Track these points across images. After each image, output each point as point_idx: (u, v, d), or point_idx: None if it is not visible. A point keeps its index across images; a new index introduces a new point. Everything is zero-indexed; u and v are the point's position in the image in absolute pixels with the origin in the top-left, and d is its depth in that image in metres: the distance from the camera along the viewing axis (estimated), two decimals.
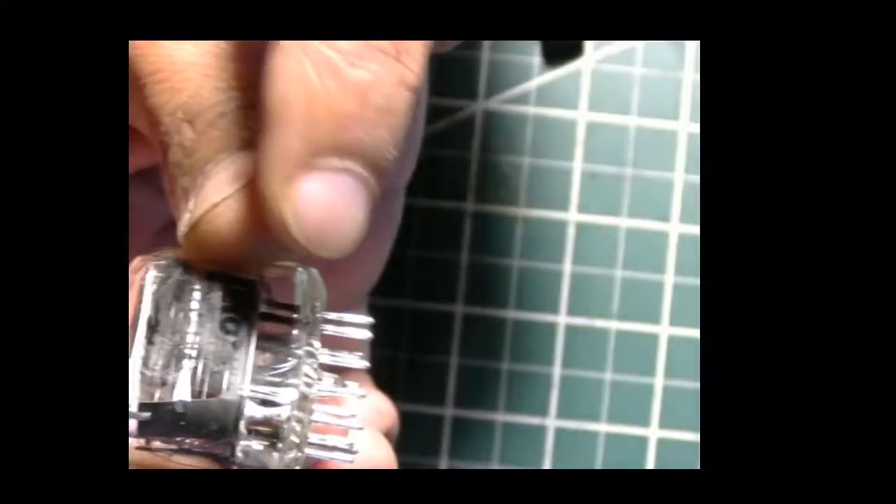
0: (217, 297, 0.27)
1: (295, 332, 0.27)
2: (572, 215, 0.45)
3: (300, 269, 0.28)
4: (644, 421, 0.45)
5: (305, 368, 0.27)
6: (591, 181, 0.45)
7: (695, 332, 0.45)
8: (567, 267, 0.45)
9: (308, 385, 0.27)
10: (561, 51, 0.46)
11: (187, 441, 0.26)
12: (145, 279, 0.27)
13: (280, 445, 0.26)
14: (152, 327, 0.26)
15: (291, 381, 0.27)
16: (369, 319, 0.28)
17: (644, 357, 0.45)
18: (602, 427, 0.45)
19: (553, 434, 0.45)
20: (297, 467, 0.27)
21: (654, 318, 0.45)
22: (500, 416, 0.45)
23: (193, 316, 0.27)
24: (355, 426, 0.27)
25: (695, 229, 0.45)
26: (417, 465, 0.45)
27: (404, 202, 0.39)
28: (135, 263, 0.27)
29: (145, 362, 0.26)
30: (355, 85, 0.25)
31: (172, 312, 0.27)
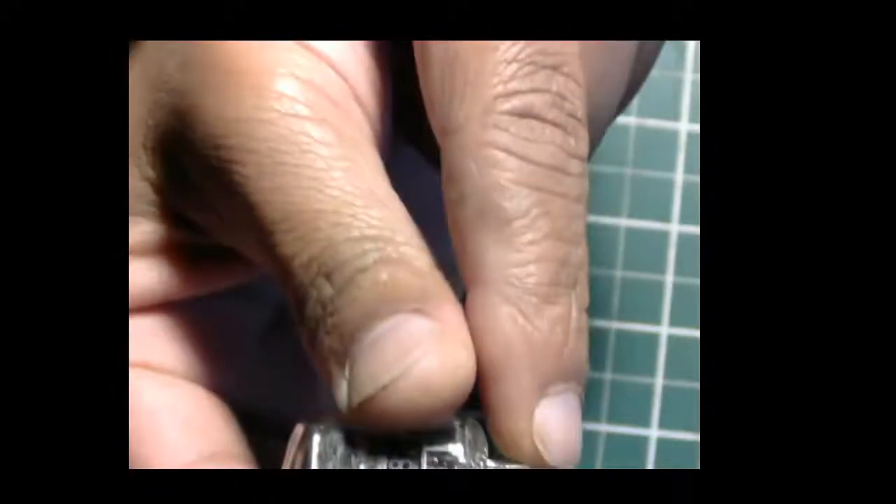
0: (383, 466, 0.27)
1: None
2: None
3: (458, 422, 0.28)
4: (644, 421, 0.45)
5: None
6: (591, 181, 0.45)
7: (695, 332, 0.45)
8: None
9: None
10: None
11: None
12: (310, 455, 0.27)
13: None
14: None
15: None
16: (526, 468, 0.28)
17: (644, 357, 0.45)
18: (602, 427, 0.45)
19: None
20: None
21: (654, 318, 0.45)
22: None
23: None
24: None
25: (695, 229, 0.45)
26: None
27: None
28: (297, 430, 0.27)
29: None
30: (556, 319, 0.28)
31: None
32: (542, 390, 0.28)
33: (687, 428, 0.45)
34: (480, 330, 0.28)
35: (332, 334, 0.27)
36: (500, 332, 0.28)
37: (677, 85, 0.46)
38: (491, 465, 0.28)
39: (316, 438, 0.27)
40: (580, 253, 0.29)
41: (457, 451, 0.27)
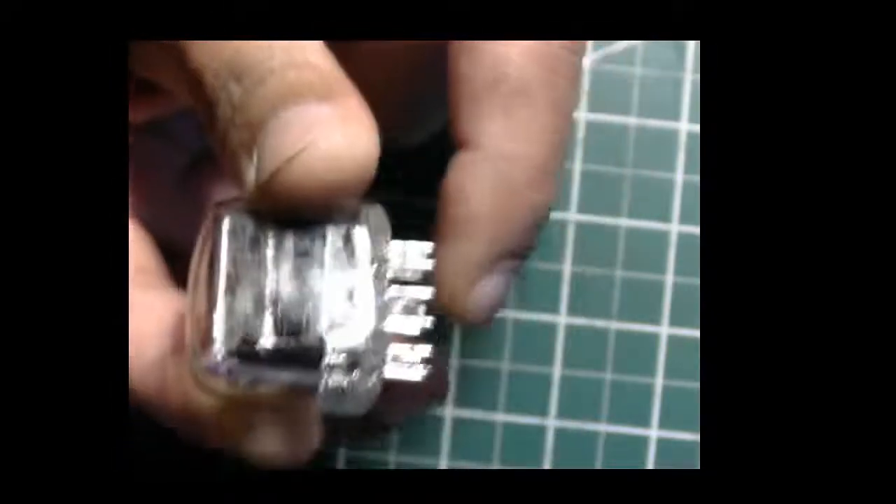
0: (289, 243, 0.29)
1: (365, 268, 0.29)
2: (572, 215, 0.45)
3: (364, 206, 0.29)
4: (644, 421, 0.45)
5: (378, 302, 0.29)
6: (591, 181, 0.45)
7: (695, 332, 0.45)
8: (567, 267, 0.45)
9: (381, 317, 0.29)
10: None
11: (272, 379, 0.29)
12: (221, 233, 0.29)
13: (359, 375, 0.28)
14: (231, 280, 0.28)
15: (366, 315, 0.29)
16: (431, 246, 0.30)
17: (644, 357, 0.45)
18: (602, 427, 0.45)
19: (553, 434, 0.45)
20: (377, 391, 0.29)
21: (654, 318, 0.45)
22: (500, 416, 0.45)
23: (269, 264, 0.29)
24: (423, 355, 0.29)
25: (695, 229, 0.45)
26: (417, 465, 0.45)
27: (404, 204, 0.39)
28: (209, 215, 0.29)
29: (228, 313, 0.28)
30: (536, 204, 0.30)
31: (249, 263, 0.29)
32: (497, 263, 0.30)
33: (687, 428, 0.45)
34: (460, 188, 0.30)
35: (240, 129, 0.28)
36: (481, 199, 0.29)
37: (677, 85, 0.46)
38: (392, 248, 0.29)
39: (226, 219, 0.29)
40: (568, 141, 0.30)
41: (360, 234, 0.29)
